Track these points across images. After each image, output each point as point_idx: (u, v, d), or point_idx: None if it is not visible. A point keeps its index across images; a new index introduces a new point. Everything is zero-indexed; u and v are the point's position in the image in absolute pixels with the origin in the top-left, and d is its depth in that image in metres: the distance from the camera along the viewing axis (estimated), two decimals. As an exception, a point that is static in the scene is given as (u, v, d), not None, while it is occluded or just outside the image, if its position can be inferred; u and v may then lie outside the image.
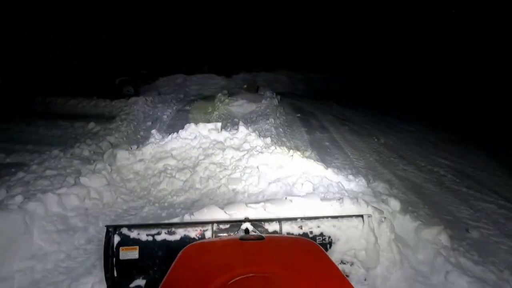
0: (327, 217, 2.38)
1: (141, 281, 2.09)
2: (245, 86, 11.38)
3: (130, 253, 2.07)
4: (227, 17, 22.42)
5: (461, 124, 9.38)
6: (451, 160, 6.06)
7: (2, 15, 10.93)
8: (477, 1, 17.57)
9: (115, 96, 12.38)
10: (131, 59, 14.60)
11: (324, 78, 17.72)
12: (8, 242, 2.70)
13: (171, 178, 4.42)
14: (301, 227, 2.29)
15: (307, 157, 5.10)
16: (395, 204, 3.52)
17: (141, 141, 6.84)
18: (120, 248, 2.07)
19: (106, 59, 13.15)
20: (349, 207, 2.83)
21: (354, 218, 2.42)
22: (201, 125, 5.46)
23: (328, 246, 2.32)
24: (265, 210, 2.77)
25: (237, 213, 2.69)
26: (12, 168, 4.87)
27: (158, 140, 5.27)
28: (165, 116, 9.17)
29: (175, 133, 5.34)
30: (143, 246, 2.11)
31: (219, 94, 11.35)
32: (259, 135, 5.81)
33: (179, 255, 1.51)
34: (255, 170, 4.48)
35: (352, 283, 1.28)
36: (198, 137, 5.24)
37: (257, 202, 2.93)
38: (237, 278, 1.24)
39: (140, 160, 4.78)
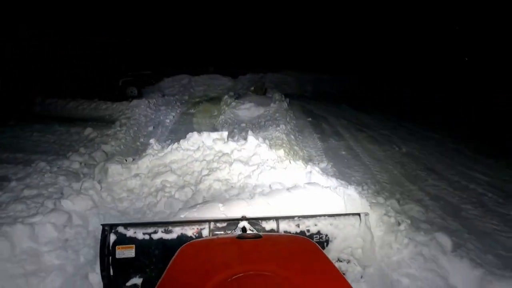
0: (324, 215, 2.34)
1: (137, 280, 2.03)
2: (253, 88, 10.69)
3: (127, 252, 2.02)
4: (233, 17, 21.75)
5: (492, 134, 8.53)
6: (486, 174, 5.29)
7: (2, 15, 10.46)
8: (477, 1, 17.01)
9: (118, 97, 11.88)
10: (133, 59, 14.03)
11: (332, 79, 16.92)
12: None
13: (170, 199, 3.75)
14: (298, 225, 2.26)
15: (322, 169, 4.41)
16: (444, 239, 2.80)
17: (140, 148, 6.23)
18: (116, 246, 2.01)
19: (106, 59, 12.57)
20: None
21: (351, 217, 2.39)
22: (205, 134, 4.78)
23: (325, 244, 2.30)
24: (265, 204, 2.67)
25: (235, 210, 2.56)
26: (-9, 183, 4.25)
27: (156, 151, 4.62)
28: (167, 120, 8.53)
29: (176, 143, 4.67)
30: (140, 245, 2.05)
31: (226, 97, 10.68)
32: (270, 146, 5.13)
33: (176, 253, 1.48)
34: (267, 189, 3.79)
35: (349, 281, 1.27)
36: (202, 148, 4.56)
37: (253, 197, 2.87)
38: (235, 277, 1.23)
39: (135, 176, 4.12)
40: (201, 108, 10.85)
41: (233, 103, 9.35)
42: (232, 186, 3.93)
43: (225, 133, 4.80)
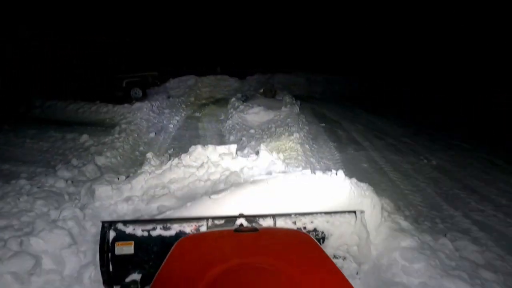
0: (320, 212, 2.34)
1: (136, 276, 2.02)
2: (262, 90, 9.92)
3: (126, 248, 2.01)
4: (241, 16, 20.97)
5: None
6: (536, 194, 4.46)
7: (2, 15, 9.98)
8: (477, 1, 16.47)
9: (121, 98, 11.27)
10: (137, 60, 13.35)
11: (342, 79, 16.03)
12: None
13: (167, 231, 3.02)
14: (295, 223, 2.24)
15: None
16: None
17: (139, 158, 5.52)
18: (116, 243, 2.00)
19: (106, 59, 11.93)
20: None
21: (347, 214, 2.38)
22: (210, 147, 4.04)
23: (321, 241, 2.29)
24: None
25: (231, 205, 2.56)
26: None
27: (153, 168, 3.90)
28: (171, 125, 7.81)
29: (176, 159, 3.94)
30: (139, 241, 2.04)
31: (233, 99, 9.94)
32: (285, 160, 4.39)
33: (174, 246, 1.49)
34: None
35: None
36: (206, 164, 3.82)
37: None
38: (232, 269, 1.23)
39: (127, 199, 3.41)
40: (207, 111, 10.13)
41: (241, 107, 8.60)
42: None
43: (233, 147, 4.05)
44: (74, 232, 2.83)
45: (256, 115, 8.08)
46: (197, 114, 9.51)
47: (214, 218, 2.14)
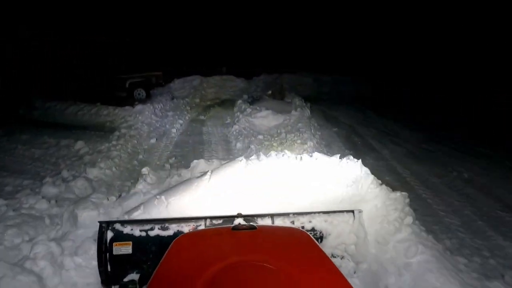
0: (318, 212, 2.30)
1: (135, 276, 1.98)
2: (270, 92, 9.27)
3: (124, 248, 1.98)
4: (247, 15, 20.31)
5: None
6: None
7: (2, 15, 9.56)
8: (477, 1, 16.11)
9: (125, 99, 10.74)
10: (140, 60, 12.80)
11: (350, 80, 15.29)
12: None
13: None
14: (293, 222, 2.21)
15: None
16: None
17: (137, 169, 4.92)
18: (114, 243, 1.97)
19: (106, 59, 11.40)
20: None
21: (345, 213, 2.33)
22: (215, 163, 3.44)
23: (320, 240, 2.25)
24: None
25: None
26: None
27: (149, 186, 3.31)
28: (174, 130, 7.21)
29: (176, 176, 3.34)
30: (137, 241, 2.00)
31: (239, 101, 9.31)
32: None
33: (172, 244, 1.47)
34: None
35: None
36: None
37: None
38: (230, 267, 1.21)
39: (116, 227, 2.81)
40: (212, 113, 9.52)
41: (248, 110, 7.97)
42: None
43: (241, 164, 3.42)
44: (46, 276, 2.24)
45: (264, 119, 7.45)
46: (202, 117, 8.91)
47: (212, 217, 2.08)
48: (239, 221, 1.93)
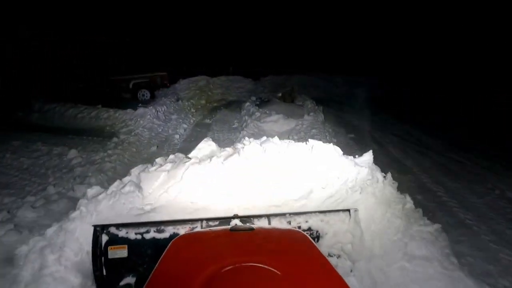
0: (315, 212, 2.29)
1: (130, 279, 1.95)
2: (280, 94, 8.59)
3: (119, 252, 1.93)
4: (255, 14, 19.60)
5: None
6: None
7: (2, 15, 9.16)
8: (477, 1, 15.65)
9: (129, 100, 10.22)
10: (144, 60, 12.25)
11: (362, 80, 14.51)
12: None
13: None
14: (289, 222, 2.19)
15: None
16: None
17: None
18: (109, 247, 1.93)
19: (106, 59, 10.88)
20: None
21: (341, 213, 2.32)
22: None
23: (316, 240, 2.23)
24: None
25: None
26: None
27: (142, 212, 2.68)
28: (177, 136, 6.60)
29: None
30: (132, 245, 1.96)
31: (247, 104, 8.67)
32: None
33: (169, 245, 1.44)
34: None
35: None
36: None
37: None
38: (227, 268, 1.19)
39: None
40: (218, 116, 8.89)
41: (257, 113, 7.32)
42: None
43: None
44: None
45: (274, 123, 6.79)
46: (207, 121, 8.28)
47: (208, 219, 2.07)
48: (235, 222, 1.90)
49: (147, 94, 11.10)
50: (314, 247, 1.43)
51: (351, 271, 2.29)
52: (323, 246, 2.24)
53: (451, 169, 5.23)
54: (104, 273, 1.90)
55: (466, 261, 2.86)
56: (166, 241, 1.88)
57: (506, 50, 13.54)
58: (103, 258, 1.90)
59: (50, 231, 2.39)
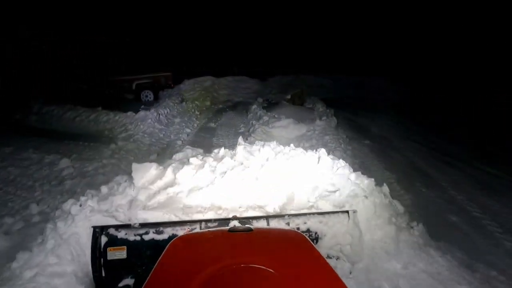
0: (313, 213, 2.29)
1: (129, 281, 1.93)
2: (289, 96, 8.02)
3: (118, 253, 1.93)
4: (261, 13, 19.01)
5: None
6: None
7: (2, 15, 8.86)
8: (477, 1, 15.24)
9: (131, 102, 9.78)
10: (147, 60, 11.80)
11: (376, 81, 13.84)
12: None
13: None
14: (288, 224, 2.17)
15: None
16: None
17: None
18: (108, 248, 1.92)
19: (106, 59, 10.45)
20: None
21: (340, 214, 2.30)
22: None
23: (315, 241, 2.21)
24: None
25: None
26: None
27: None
28: (179, 142, 6.09)
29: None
30: (131, 246, 1.95)
31: (254, 106, 8.13)
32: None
33: (168, 246, 1.43)
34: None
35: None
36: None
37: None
38: (226, 269, 1.18)
39: None
40: (224, 119, 8.37)
41: (265, 117, 6.77)
42: None
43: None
44: None
45: (284, 129, 6.23)
46: (212, 124, 7.76)
47: (207, 220, 2.06)
48: (234, 223, 1.87)
49: (150, 95, 10.62)
50: (313, 248, 1.41)
51: (350, 273, 2.25)
52: (322, 248, 2.21)
53: (484, 183, 4.62)
54: (103, 274, 1.88)
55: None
56: (165, 242, 1.87)
57: (506, 50, 13.17)
58: (102, 259, 1.88)
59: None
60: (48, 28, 8.99)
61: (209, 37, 17.45)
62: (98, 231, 1.92)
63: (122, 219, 2.31)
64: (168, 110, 7.99)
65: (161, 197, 2.52)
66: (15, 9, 9.30)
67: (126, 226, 2.01)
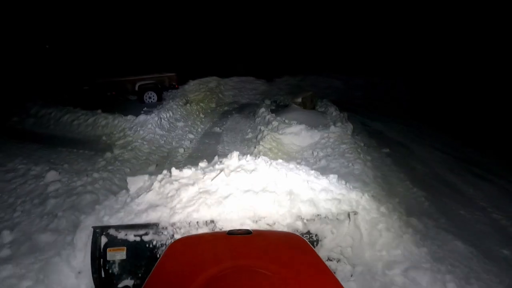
0: (313, 215, 2.19)
1: (129, 281, 1.89)
2: (300, 99, 7.38)
3: (118, 254, 1.89)
4: (269, 11, 18.33)
5: None
6: None
7: (2, 15, 8.31)
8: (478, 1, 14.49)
9: (133, 103, 9.28)
10: (150, 60, 11.25)
11: (386, 82, 13.10)
12: None
13: None
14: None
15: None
16: None
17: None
18: (107, 249, 1.89)
19: (106, 59, 9.89)
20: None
21: (340, 216, 2.23)
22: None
23: (315, 243, 2.16)
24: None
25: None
26: None
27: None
28: (181, 150, 5.52)
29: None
30: (131, 247, 1.91)
31: (262, 109, 7.52)
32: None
33: (167, 248, 1.42)
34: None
35: (339, 280, 1.19)
36: None
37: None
38: (225, 271, 1.16)
39: None
40: (230, 123, 7.77)
41: (274, 123, 6.15)
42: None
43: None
44: None
45: (295, 136, 5.62)
46: (217, 129, 7.17)
47: (206, 222, 2.02)
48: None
49: (154, 96, 10.09)
50: (312, 251, 1.38)
51: (351, 275, 2.17)
52: (323, 250, 2.16)
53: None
54: (103, 275, 1.84)
55: None
56: (164, 243, 1.88)
57: (506, 50, 12.44)
58: (101, 259, 1.85)
59: None
60: (48, 28, 8.51)
61: (215, 37, 16.86)
62: (98, 231, 1.86)
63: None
64: (171, 113, 7.43)
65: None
66: (15, 9, 8.86)
67: (126, 227, 1.96)
